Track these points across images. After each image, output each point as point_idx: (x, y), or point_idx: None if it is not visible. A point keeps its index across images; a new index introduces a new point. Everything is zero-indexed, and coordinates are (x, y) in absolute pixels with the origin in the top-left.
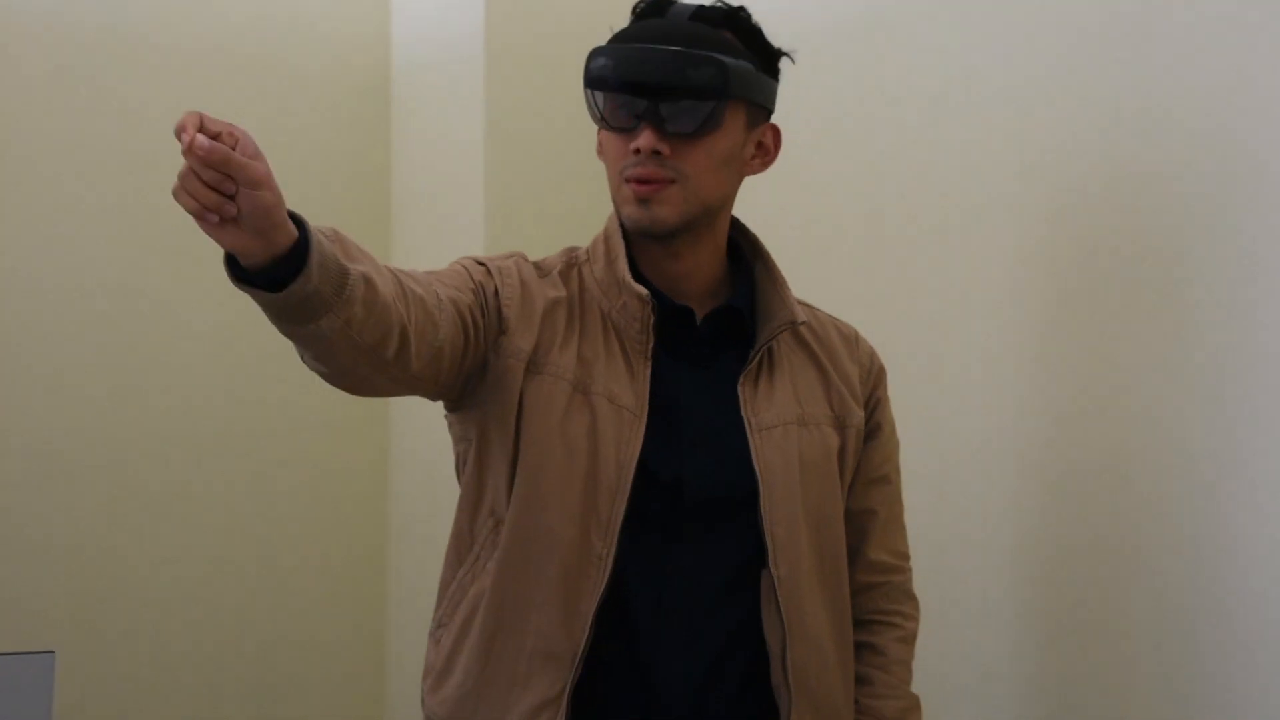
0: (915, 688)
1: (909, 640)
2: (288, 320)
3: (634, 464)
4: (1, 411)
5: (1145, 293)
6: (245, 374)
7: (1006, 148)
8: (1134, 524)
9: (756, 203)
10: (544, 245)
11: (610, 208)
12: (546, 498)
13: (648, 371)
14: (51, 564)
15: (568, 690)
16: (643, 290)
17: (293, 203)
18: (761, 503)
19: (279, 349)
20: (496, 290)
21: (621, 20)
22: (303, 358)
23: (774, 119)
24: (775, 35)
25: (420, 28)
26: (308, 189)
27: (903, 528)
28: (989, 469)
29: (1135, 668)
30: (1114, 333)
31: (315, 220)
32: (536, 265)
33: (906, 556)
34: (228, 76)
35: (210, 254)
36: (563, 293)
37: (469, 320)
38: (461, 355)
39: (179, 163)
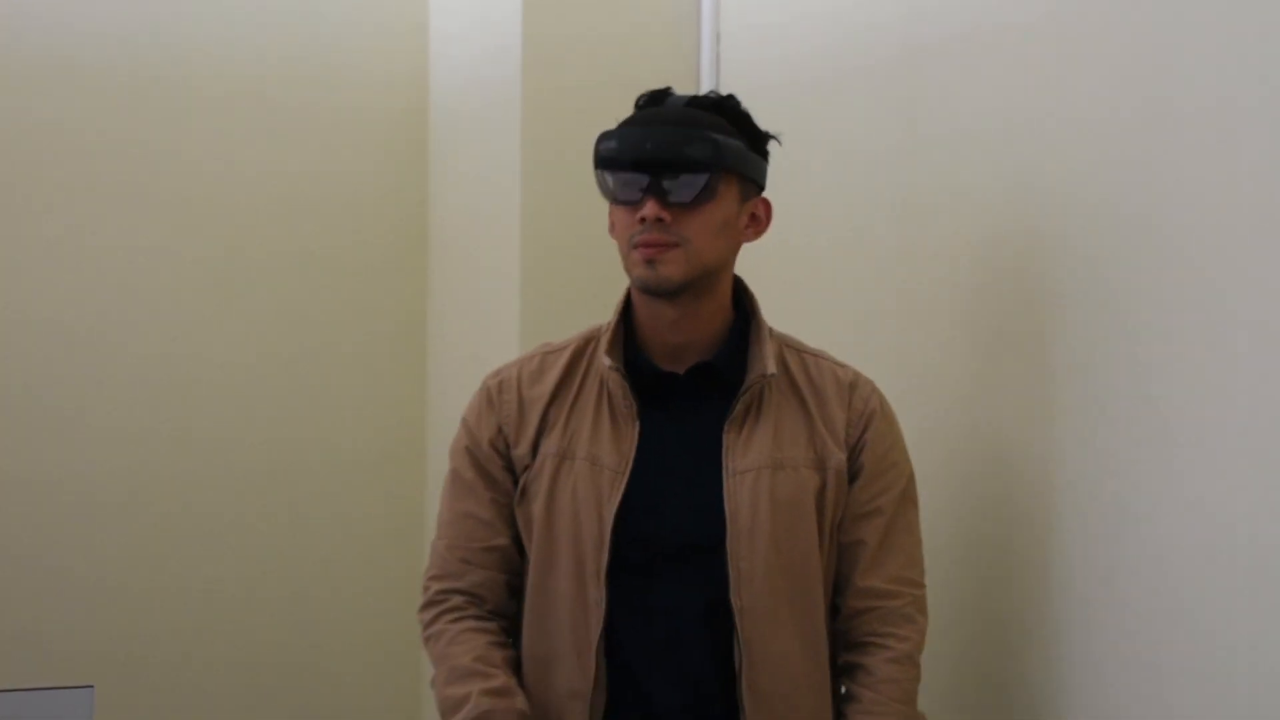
0: None
1: (901, 660)
2: None
3: (613, 517)
4: (40, 449)
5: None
6: (282, 410)
7: (1038, 187)
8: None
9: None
10: (579, 282)
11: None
12: (548, 561)
13: (635, 431)
14: (91, 599)
15: None
16: (610, 364)
17: (334, 238)
18: (728, 541)
19: (316, 385)
20: (499, 426)
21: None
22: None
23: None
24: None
25: (458, 66)
26: (348, 225)
27: (905, 554)
28: None
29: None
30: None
31: (356, 253)
32: (547, 354)
33: (910, 581)
34: (270, 116)
35: (246, 293)
36: (560, 374)
37: (514, 504)
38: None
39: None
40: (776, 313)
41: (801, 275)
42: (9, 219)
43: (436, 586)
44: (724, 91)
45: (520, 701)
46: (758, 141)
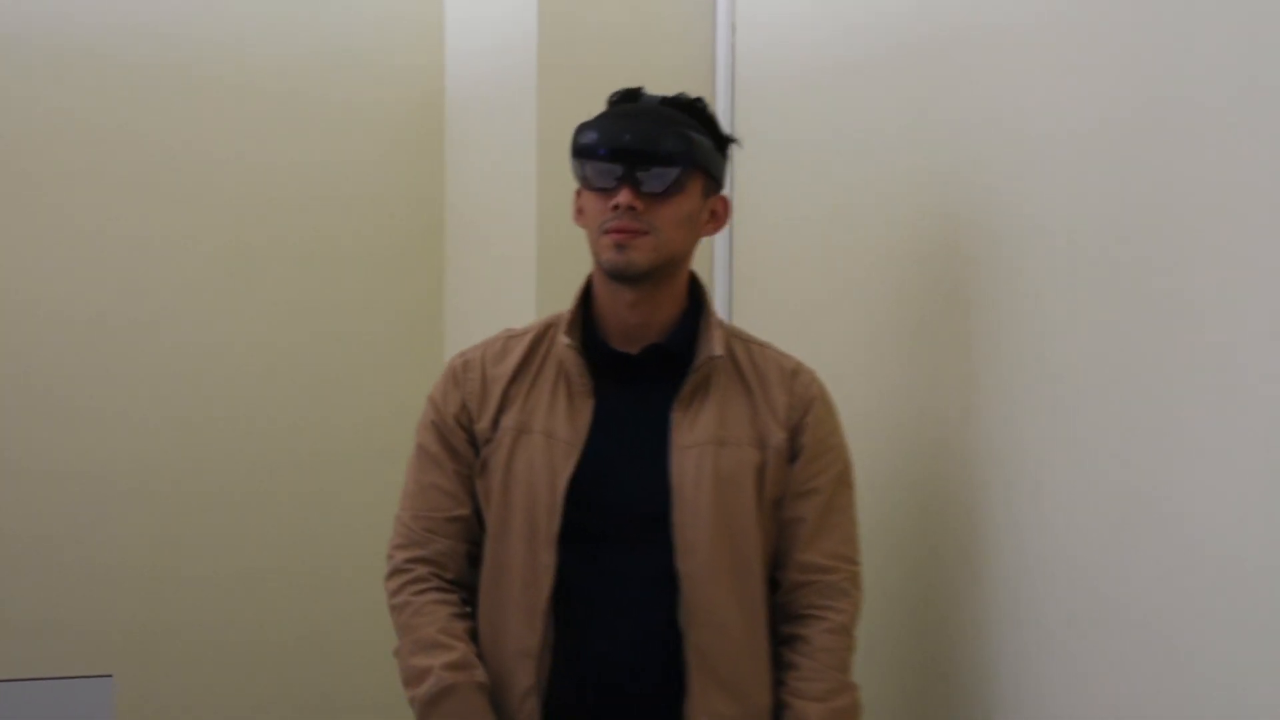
0: None
1: (837, 631)
2: None
3: (565, 487)
4: (59, 439)
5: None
6: (300, 400)
7: (1053, 179)
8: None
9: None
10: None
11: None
12: (503, 528)
13: (590, 407)
14: (109, 589)
15: (541, 678)
16: (568, 342)
17: (351, 228)
18: (673, 511)
19: (333, 375)
20: (463, 402)
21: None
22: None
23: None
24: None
25: (473, 56)
26: (365, 215)
27: (842, 532)
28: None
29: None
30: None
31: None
32: (510, 337)
33: (845, 558)
34: (287, 108)
35: (263, 283)
36: (521, 355)
37: (475, 476)
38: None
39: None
40: (778, 297)
41: (810, 260)
42: (28, 209)
43: (402, 555)
44: (739, 82)
45: (479, 673)
46: (721, 143)
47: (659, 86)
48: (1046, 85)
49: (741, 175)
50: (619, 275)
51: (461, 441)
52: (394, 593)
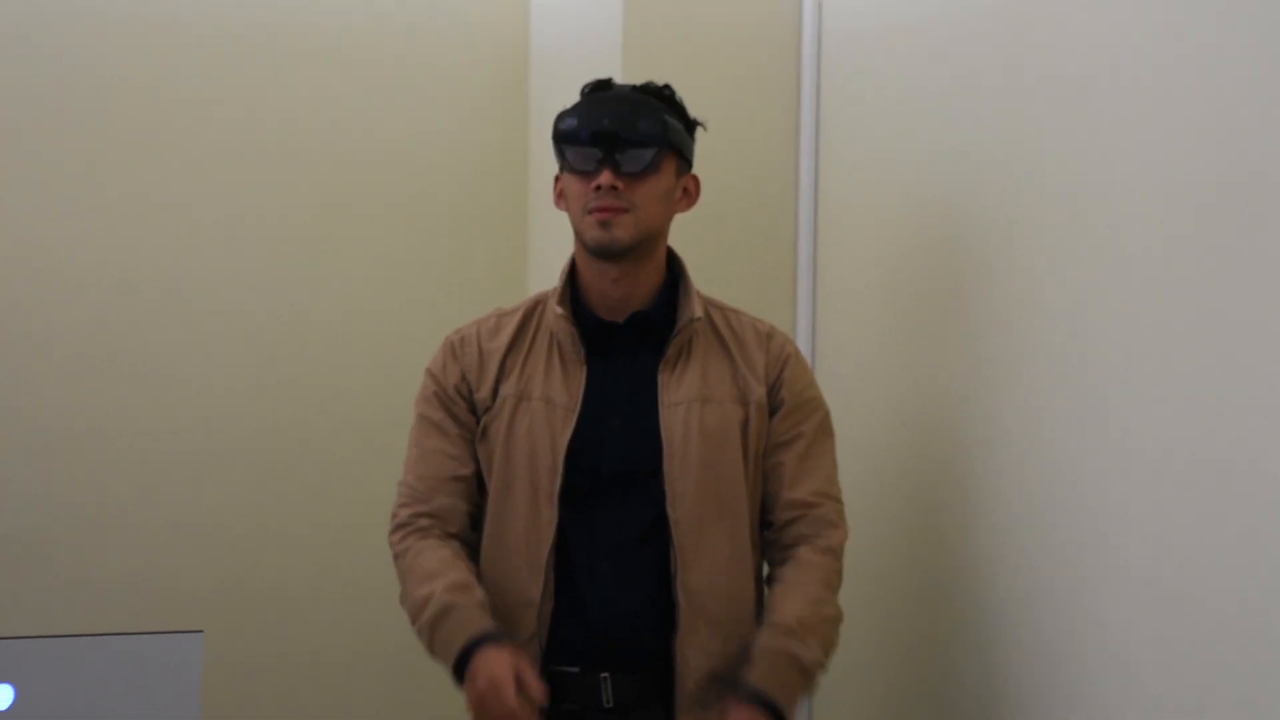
0: None
1: (825, 552)
2: None
3: (565, 448)
4: (153, 402)
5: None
6: (387, 361)
7: (1148, 145)
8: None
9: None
10: (677, 232)
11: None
12: (506, 488)
13: (583, 374)
14: (201, 547)
15: (542, 625)
16: (561, 312)
17: (436, 193)
18: (664, 463)
19: (419, 336)
20: (462, 374)
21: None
22: None
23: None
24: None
25: (558, 14)
26: (449, 177)
27: (824, 473)
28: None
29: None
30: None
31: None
32: (501, 315)
33: (827, 494)
34: (371, 70)
35: (348, 246)
36: (514, 330)
37: (475, 442)
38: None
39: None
40: (863, 249)
41: (896, 215)
42: (114, 176)
43: (405, 511)
44: (825, 36)
45: (479, 593)
46: (690, 127)
47: (746, 43)
48: (1141, 45)
49: (827, 128)
50: (604, 252)
51: (463, 410)
52: (397, 543)
